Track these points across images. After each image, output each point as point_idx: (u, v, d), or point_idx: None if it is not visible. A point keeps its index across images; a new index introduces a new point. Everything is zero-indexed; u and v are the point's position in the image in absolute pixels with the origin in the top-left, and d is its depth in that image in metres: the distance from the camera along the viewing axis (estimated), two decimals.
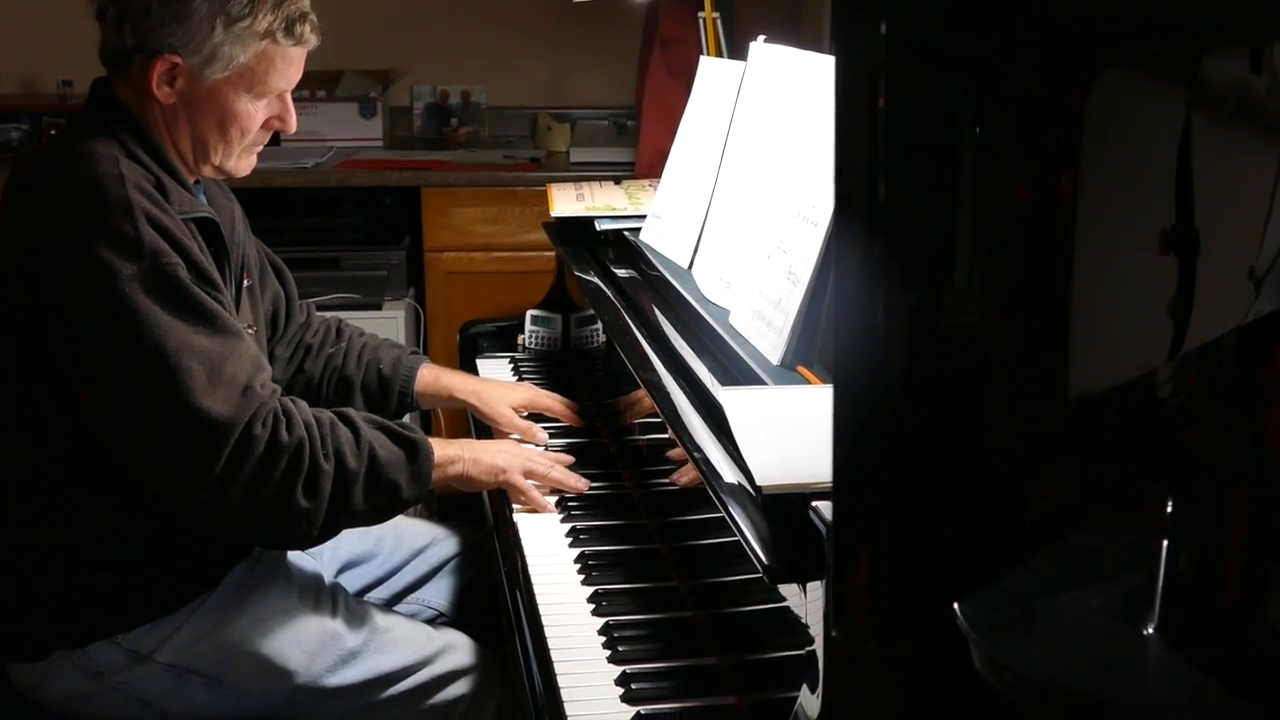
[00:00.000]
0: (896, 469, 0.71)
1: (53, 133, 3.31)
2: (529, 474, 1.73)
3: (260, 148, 1.69)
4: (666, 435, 1.67)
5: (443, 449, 1.66)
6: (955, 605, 0.78)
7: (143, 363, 1.43)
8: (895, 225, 0.67)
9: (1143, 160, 0.78)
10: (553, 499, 1.74)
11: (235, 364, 1.48)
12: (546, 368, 2.31)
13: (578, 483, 1.75)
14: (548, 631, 1.41)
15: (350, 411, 1.61)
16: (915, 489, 0.73)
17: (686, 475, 1.59)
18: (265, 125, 1.65)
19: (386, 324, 3.30)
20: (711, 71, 2.00)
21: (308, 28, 1.61)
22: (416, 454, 1.60)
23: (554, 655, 1.36)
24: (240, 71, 1.57)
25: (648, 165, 3.07)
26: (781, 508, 1.11)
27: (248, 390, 1.48)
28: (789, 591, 1.13)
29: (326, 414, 1.57)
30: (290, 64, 1.61)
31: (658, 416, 1.67)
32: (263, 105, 1.62)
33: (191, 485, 1.45)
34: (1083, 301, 0.74)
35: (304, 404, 1.56)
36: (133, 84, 1.58)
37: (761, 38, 1.83)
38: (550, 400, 1.98)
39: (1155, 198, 0.79)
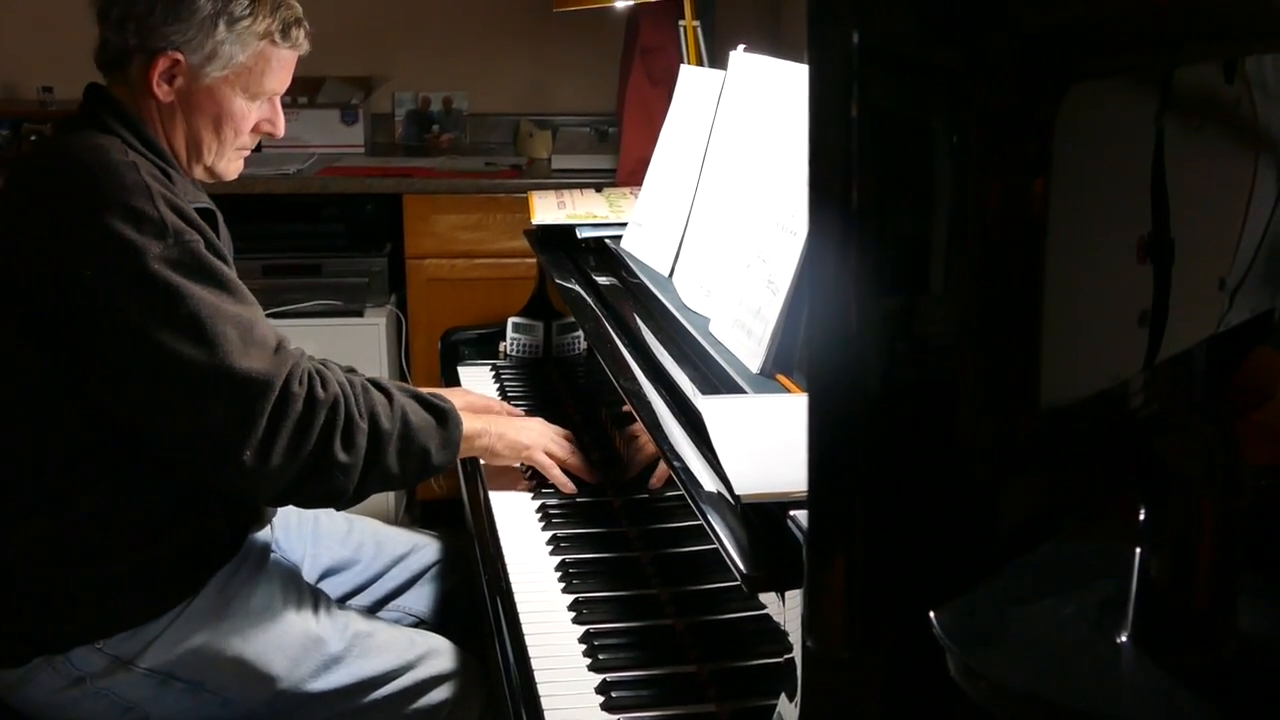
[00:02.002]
0: (871, 477, 0.72)
1: (33, 139, 3.29)
2: (549, 454, 1.78)
3: (248, 152, 1.74)
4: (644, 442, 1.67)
5: (471, 422, 1.71)
6: (931, 614, 0.79)
7: (181, 332, 1.45)
8: (868, 233, 0.68)
9: (1115, 171, 0.78)
10: (536, 501, 1.76)
11: (263, 327, 1.53)
12: (528, 375, 2.32)
13: (591, 475, 1.80)
14: (528, 640, 1.41)
15: (381, 379, 1.66)
16: (890, 498, 0.73)
17: (646, 455, 1.63)
18: (255, 128, 1.70)
19: (368, 331, 3.30)
20: (692, 80, 2.01)
21: (302, 33, 1.68)
22: (446, 421, 1.65)
23: (534, 663, 1.37)
24: (238, 71, 1.63)
25: (629, 173, 3.08)
26: (760, 516, 1.11)
27: (280, 349, 1.52)
28: (768, 600, 1.13)
29: (359, 378, 1.62)
30: (284, 66, 1.68)
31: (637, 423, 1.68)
32: (255, 107, 1.68)
33: (235, 446, 1.46)
34: (1056, 311, 0.74)
35: (336, 367, 1.61)
36: (130, 85, 1.63)
37: (741, 46, 1.84)
38: (485, 402, 2.01)
39: (1127, 208, 0.80)
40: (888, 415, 0.71)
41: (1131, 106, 0.79)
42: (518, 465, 1.82)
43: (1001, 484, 0.78)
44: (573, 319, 2.27)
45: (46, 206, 1.52)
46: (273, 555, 1.77)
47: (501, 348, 2.39)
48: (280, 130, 1.73)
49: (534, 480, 1.82)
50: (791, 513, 1.03)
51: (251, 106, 1.67)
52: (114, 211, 1.46)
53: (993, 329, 0.73)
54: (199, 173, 1.70)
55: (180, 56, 1.59)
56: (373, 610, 1.94)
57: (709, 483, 1.23)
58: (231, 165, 1.72)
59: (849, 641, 0.74)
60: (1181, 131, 0.82)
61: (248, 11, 1.61)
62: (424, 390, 1.70)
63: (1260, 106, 0.90)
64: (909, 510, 0.74)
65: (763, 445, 1.20)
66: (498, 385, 2.27)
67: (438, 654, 1.74)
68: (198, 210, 1.58)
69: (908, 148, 0.70)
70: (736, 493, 1.08)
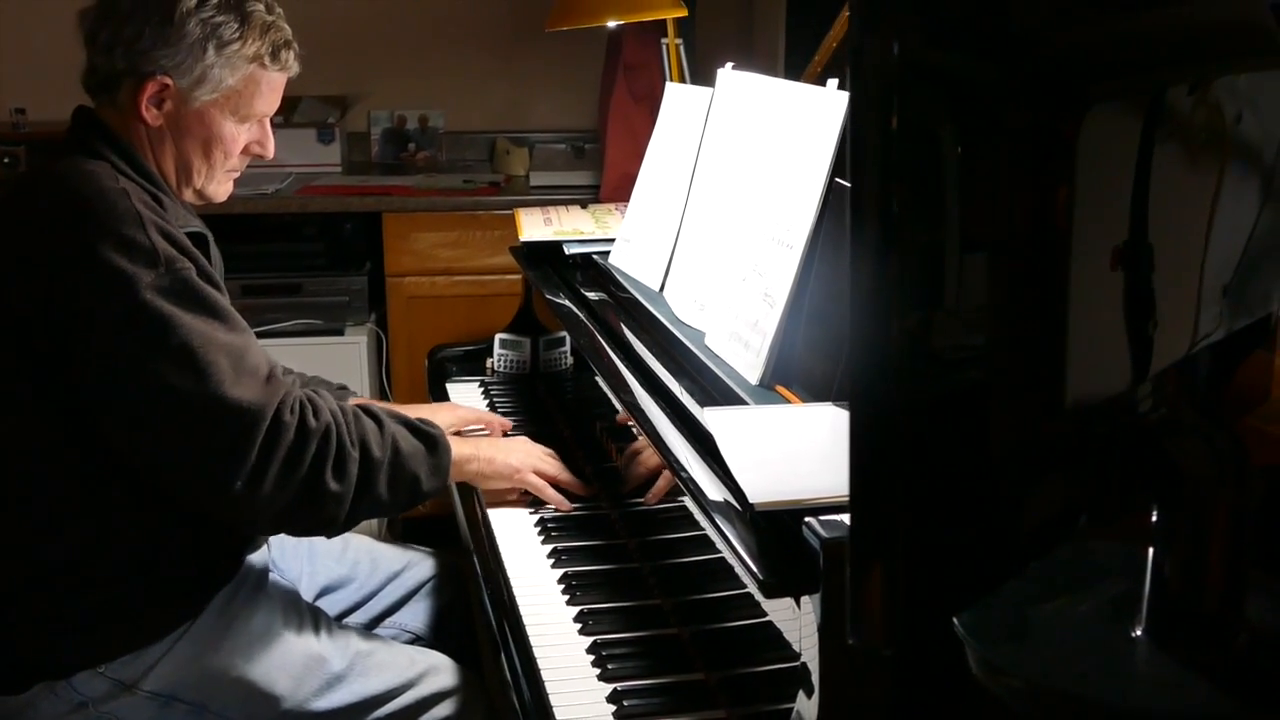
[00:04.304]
0: (912, 481, 0.74)
1: (5, 160, 3.28)
2: (539, 473, 1.79)
3: (238, 174, 1.74)
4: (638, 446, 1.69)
5: (459, 447, 1.72)
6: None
7: (172, 362, 1.45)
8: (909, 243, 0.70)
9: (1138, 185, 0.81)
10: (534, 515, 1.77)
11: (255, 356, 1.52)
12: (516, 391, 2.33)
13: (584, 488, 1.82)
14: (536, 653, 1.42)
15: (372, 405, 1.66)
16: (930, 501, 0.75)
17: (645, 469, 1.68)
18: (245, 150, 1.70)
19: (349, 350, 3.30)
20: (678, 97, 2.03)
21: (291, 55, 1.68)
22: (436, 448, 1.65)
23: (544, 675, 1.38)
24: (227, 94, 1.63)
25: (613, 189, 3.10)
26: (769, 523, 1.13)
27: (271, 378, 1.52)
28: (780, 605, 1.15)
29: (350, 405, 1.62)
30: (273, 89, 1.68)
31: (636, 435, 1.70)
32: (245, 130, 1.68)
33: (227, 476, 1.46)
34: (1082, 317, 0.77)
35: (329, 395, 1.61)
36: (119, 109, 1.62)
37: (730, 64, 1.86)
38: (477, 415, 2.04)
39: (1142, 221, 0.83)
40: (929, 421, 0.73)
41: (1150, 124, 0.81)
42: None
43: (1029, 486, 0.80)
44: (559, 334, 2.29)
45: (38, 235, 1.51)
46: (271, 576, 1.77)
47: (488, 364, 2.40)
48: (270, 152, 1.73)
49: (530, 495, 1.83)
50: (807, 519, 1.05)
51: (241, 129, 1.67)
52: (106, 241, 1.46)
53: (1027, 336, 0.76)
54: (189, 196, 1.70)
55: (169, 80, 1.59)
56: (369, 627, 1.94)
57: (715, 492, 1.25)
58: (221, 188, 1.72)
59: (889, 639, 0.76)
60: (1194, 147, 0.85)
61: (237, 35, 1.60)
62: (413, 416, 1.69)
63: (1254, 122, 0.93)
64: (948, 513, 0.76)
65: (769, 454, 1.22)
66: (487, 401, 2.29)
67: (438, 671, 1.74)
68: (189, 234, 1.58)
69: (946, 158, 0.72)
70: (750, 501, 1.10)
